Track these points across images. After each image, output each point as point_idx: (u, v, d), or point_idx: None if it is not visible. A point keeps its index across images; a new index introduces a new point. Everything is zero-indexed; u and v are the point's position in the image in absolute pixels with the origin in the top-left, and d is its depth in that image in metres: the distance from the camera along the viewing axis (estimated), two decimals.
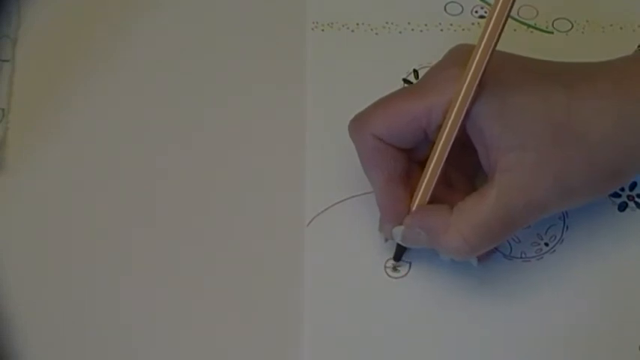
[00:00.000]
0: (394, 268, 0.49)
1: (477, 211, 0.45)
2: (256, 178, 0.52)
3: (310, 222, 0.50)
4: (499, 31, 0.44)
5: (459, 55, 0.46)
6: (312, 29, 0.58)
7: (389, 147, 0.47)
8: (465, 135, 0.46)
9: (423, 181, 0.47)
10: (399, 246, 0.48)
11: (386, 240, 0.49)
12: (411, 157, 0.48)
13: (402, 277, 0.49)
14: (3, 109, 0.54)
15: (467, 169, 0.49)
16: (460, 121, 0.45)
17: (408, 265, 0.49)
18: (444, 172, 0.47)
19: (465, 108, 0.44)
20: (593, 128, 0.45)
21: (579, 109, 0.45)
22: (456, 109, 0.45)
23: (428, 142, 0.47)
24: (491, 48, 0.44)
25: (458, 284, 0.48)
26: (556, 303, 0.48)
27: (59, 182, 0.52)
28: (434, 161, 0.46)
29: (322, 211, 0.50)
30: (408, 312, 0.48)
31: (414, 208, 0.47)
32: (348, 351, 0.47)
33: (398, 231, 0.47)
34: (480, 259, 0.47)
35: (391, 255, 0.49)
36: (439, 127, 0.46)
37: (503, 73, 0.45)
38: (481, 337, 0.47)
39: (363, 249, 0.49)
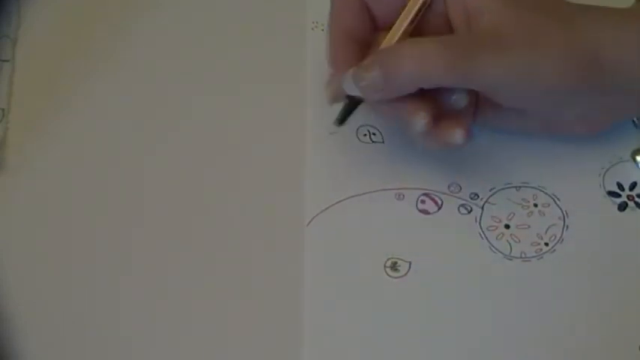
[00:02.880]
0: (394, 268, 0.49)
1: (441, 37, 0.45)
2: (256, 178, 0.52)
3: (310, 222, 0.50)
4: None
5: None
6: (312, 29, 0.58)
7: (365, 7, 0.48)
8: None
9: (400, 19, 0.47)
10: (348, 104, 0.47)
11: (330, 103, 0.48)
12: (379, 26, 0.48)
13: (402, 276, 0.49)
14: (3, 109, 0.54)
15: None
16: None
17: (407, 264, 0.49)
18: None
19: None
20: (573, 8, 0.46)
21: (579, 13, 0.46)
22: None
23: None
24: None
25: (457, 284, 0.48)
26: (556, 303, 0.48)
27: (59, 182, 0.52)
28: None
29: (322, 211, 0.50)
30: (408, 312, 0.48)
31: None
32: (347, 350, 0.47)
33: (349, 72, 0.46)
34: (465, 132, 0.46)
35: (391, 254, 0.49)
36: None
37: None
38: (481, 336, 0.47)
39: (363, 249, 0.49)
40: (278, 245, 0.50)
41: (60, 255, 0.50)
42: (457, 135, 0.45)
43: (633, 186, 0.52)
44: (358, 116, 0.49)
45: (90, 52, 0.57)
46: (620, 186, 0.52)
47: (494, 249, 0.49)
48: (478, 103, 0.49)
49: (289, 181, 0.52)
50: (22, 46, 0.57)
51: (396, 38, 0.47)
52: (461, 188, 0.51)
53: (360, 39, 0.48)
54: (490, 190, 0.51)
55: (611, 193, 0.51)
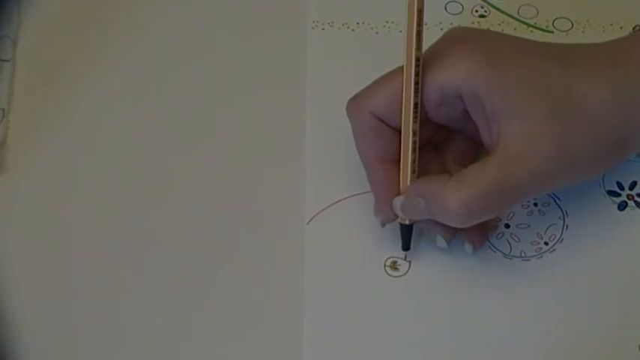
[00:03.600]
0: (394, 267, 0.49)
1: (477, 177, 0.45)
2: (256, 177, 0.52)
3: (310, 220, 0.50)
4: None
5: (458, 33, 0.47)
6: (313, 28, 0.58)
7: (386, 127, 0.47)
8: (452, 117, 0.47)
9: (402, 153, 0.47)
10: (403, 230, 0.48)
11: (383, 225, 0.49)
12: None
13: (402, 275, 0.49)
14: (3, 109, 0.54)
15: (463, 160, 0.49)
16: (412, 80, 0.45)
17: (407, 264, 0.49)
18: (442, 162, 0.48)
19: (412, 72, 0.45)
20: (590, 99, 0.45)
21: (576, 82, 0.45)
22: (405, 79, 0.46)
23: (428, 122, 0.47)
24: (415, 3, 0.46)
25: (457, 283, 0.48)
26: (556, 302, 0.48)
27: (59, 182, 0.52)
28: (403, 129, 0.47)
29: (322, 210, 0.50)
30: (408, 311, 0.48)
31: (405, 182, 0.47)
32: (347, 349, 0.47)
33: (397, 202, 0.47)
34: (476, 245, 0.48)
35: (391, 253, 0.49)
36: (438, 105, 0.46)
37: (500, 50, 0.46)
38: (481, 336, 0.47)
39: (363, 247, 0.49)
40: (278, 244, 0.50)
41: (60, 255, 0.49)
42: (466, 247, 0.49)
43: (633, 185, 0.51)
44: None
45: (90, 52, 0.57)
46: (620, 185, 0.52)
47: (493, 248, 0.49)
48: None
49: (289, 181, 0.52)
50: (22, 46, 0.57)
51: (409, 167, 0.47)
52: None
53: (392, 158, 0.47)
54: None
55: (611, 193, 0.51)
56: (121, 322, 0.47)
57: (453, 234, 0.48)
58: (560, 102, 0.45)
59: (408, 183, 0.47)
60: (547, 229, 0.50)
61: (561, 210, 0.51)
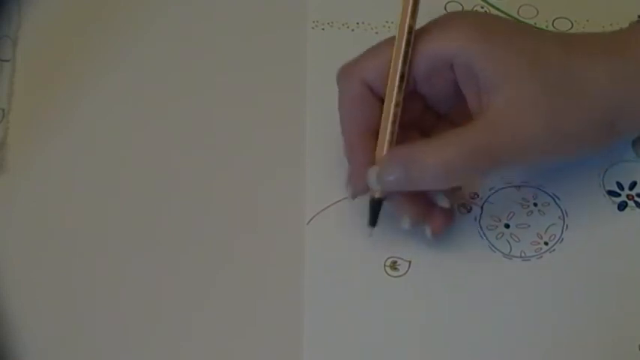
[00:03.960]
0: (393, 267, 0.49)
1: (462, 137, 0.44)
2: (256, 177, 0.52)
3: (310, 220, 0.50)
4: None
5: (457, 12, 0.48)
6: (313, 28, 0.58)
7: (373, 97, 0.47)
8: (441, 91, 0.47)
9: (382, 123, 0.47)
10: (372, 205, 0.47)
11: (353, 197, 0.48)
12: None
13: (402, 275, 0.49)
14: (3, 109, 0.54)
15: None
16: (402, 49, 0.45)
17: (407, 263, 0.49)
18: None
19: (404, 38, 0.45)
20: (587, 80, 0.45)
21: (575, 64, 0.45)
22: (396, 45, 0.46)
23: (415, 97, 0.47)
24: None
25: (457, 283, 0.48)
26: (556, 302, 0.48)
27: (59, 182, 0.52)
28: (386, 97, 0.46)
29: (322, 210, 0.50)
30: (408, 311, 0.48)
31: (381, 152, 0.46)
32: (347, 349, 0.47)
33: (372, 171, 0.46)
34: (435, 229, 0.47)
35: (391, 253, 0.49)
36: (428, 75, 0.46)
37: (499, 29, 0.46)
38: (481, 335, 0.47)
39: (363, 247, 0.49)
40: (278, 244, 0.50)
41: (60, 255, 0.50)
42: (427, 230, 0.48)
43: (633, 185, 0.51)
44: None
45: (90, 52, 0.57)
46: (620, 185, 0.51)
47: (493, 248, 0.49)
48: None
49: (289, 180, 0.52)
50: (22, 46, 0.57)
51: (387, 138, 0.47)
52: (461, 187, 0.51)
53: (373, 128, 0.47)
54: (490, 190, 0.51)
55: (611, 193, 0.51)
56: (121, 322, 0.47)
57: (420, 216, 0.47)
58: (557, 78, 0.45)
59: (385, 152, 0.46)
60: (547, 229, 0.50)
61: (561, 210, 0.51)
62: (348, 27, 0.58)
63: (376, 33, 0.58)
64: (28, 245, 0.50)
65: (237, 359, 0.47)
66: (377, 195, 0.47)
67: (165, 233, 0.50)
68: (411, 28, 0.45)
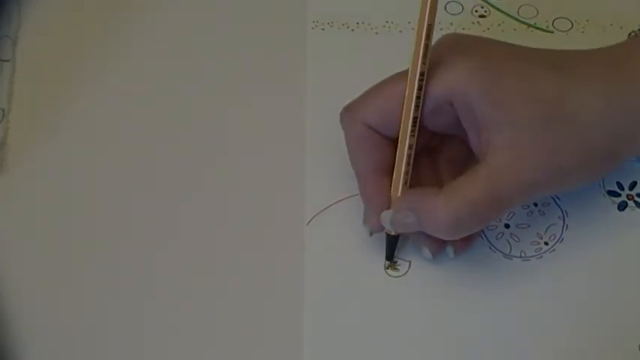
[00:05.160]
0: (393, 267, 0.49)
1: (467, 189, 0.45)
2: (256, 177, 0.52)
3: (310, 221, 0.50)
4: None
5: (450, 40, 0.47)
6: (313, 28, 0.58)
7: (378, 136, 0.47)
8: (446, 124, 0.47)
9: (396, 165, 0.47)
10: (388, 240, 0.48)
11: (370, 234, 0.49)
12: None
13: (402, 276, 0.49)
14: (3, 109, 0.54)
15: (455, 164, 0.49)
16: (414, 94, 0.45)
17: (407, 264, 0.49)
18: (434, 165, 0.48)
19: (417, 79, 0.45)
20: (584, 109, 0.45)
21: (569, 91, 0.45)
22: (408, 82, 0.46)
23: (422, 129, 0.47)
24: (426, 18, 0.45)
25: (457, 283, 0.48)
26: (556, 302, 0.48)
27: (59, 182, 0.52)
28: (400, 141, 0.46)
29: (322, 210, 0.50)
30: (408, 311, 0.48)
31: (395, 194, 0.47)
32: (347, 350, 0.46)
33: (386, 215, 0.47)
34: (458, 249, 0.48)
35: None
36: (432, 113, 0.46)
37: (492, 57, 0.45)
38: (481, 335, 0.47)
39: (363, 248, 0.49)
40: (278, 244, 0.50)
41: (60, 255, 0.49)
42: (449, 251, 0.48)
43: (633, 185, 0.51)
44: None
45: (90, 52, 0.57)
46: (620, 185, 0.52)
47: (493, 248, 0.49)
48: None
49: (289, 181, 0.52)
50: (22, 46, 0.57)
51: (402, 177, 0.47)
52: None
53: (383, 166, 0.47)
54: None
55: (611, 193, 0.51)
56: (121, 321, 0.47)
57: (440, 248, 0.48)
58: (552, 111, 0.45)
59: (399, 194, 0.47)
60: (547, 229, 0.50)
61: (561, 210, 0.51)
62: (348, 27, 0.58)
63: (376, 33, 0.58)
64: (28, 245, 0.50)
65: (238, 359, 0.47)
66: (393, 232, 0.48)
67: (164, 233, 0.50)
68: (422, 74, 0.45)
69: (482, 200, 0.44)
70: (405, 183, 0.47)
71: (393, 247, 0.48)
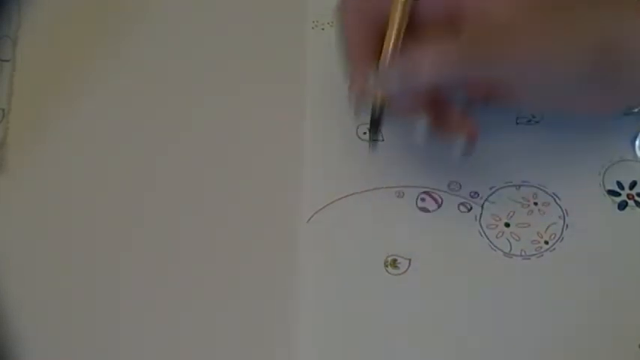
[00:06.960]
0: (394, 265, 0.49)
1: (454, 38, 0.45)
2: (256, 176, 0.52)
3: (310, 219, 0.50)
4: None
5: None
6: (313, 28, 0.58)
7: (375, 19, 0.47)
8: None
9: (387, 33, 0.47)
10: (374, 112, 0.47)
11: (355, 111, 0.48)
12: None
13: (402, 273, 0.49)
14: (3, 109, 0.54)
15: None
16: None
17: (407, 262, 0.49)
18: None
19: None
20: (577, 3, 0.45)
21: None
22: None
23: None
24: None
25: (457, 281, 0.48)
26: (555, 301, 0.48)
27: (59, 182, 0.52)
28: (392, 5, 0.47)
29: (322, 208, 0.51)
30: (408, 309, 0.48)
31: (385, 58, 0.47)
32: (347, 348, 0.47)
33: (374, 73, 0.46)
34: (471, 138, 0.47)
35: (391, 251, 0.49)
36: None
37: None
38: (480, 334, 0.47)
39: (363, 246, 0.49)
40: (278, 242, 0.50)
41: (60, 255, 0.50)
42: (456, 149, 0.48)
43: (633, 185, 0.51)
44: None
45: (90, 52, 0.57)
46: (620, 185, 0.52)
47: (494, 247, 0.49)
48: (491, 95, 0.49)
49: (289, 179, 0.52)
50: (22, 46, 0.57)
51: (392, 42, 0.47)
52: (461, 186, 0.51)
53: (377, 40, 0.47)
54: (490, 189, 0.51)
55: (611, 192, 0.51)
56: (121, 321, 0.47)
57: (432, 118, 0.47)
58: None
59: (390, 50, 0.46)
60: (547, 228, 0.50)
61: (561, 209, 0.51)
62: None
63: None
64: (28, 245, 0.50)
65: (236, 358, 0.47)
66: (379, 101, 0.47)
67: (164, 232, 0.50)
68: None
69: (469, 43, 0.45)
70: (395, 48, 0.46)
71: (378, 122, 0.47)
